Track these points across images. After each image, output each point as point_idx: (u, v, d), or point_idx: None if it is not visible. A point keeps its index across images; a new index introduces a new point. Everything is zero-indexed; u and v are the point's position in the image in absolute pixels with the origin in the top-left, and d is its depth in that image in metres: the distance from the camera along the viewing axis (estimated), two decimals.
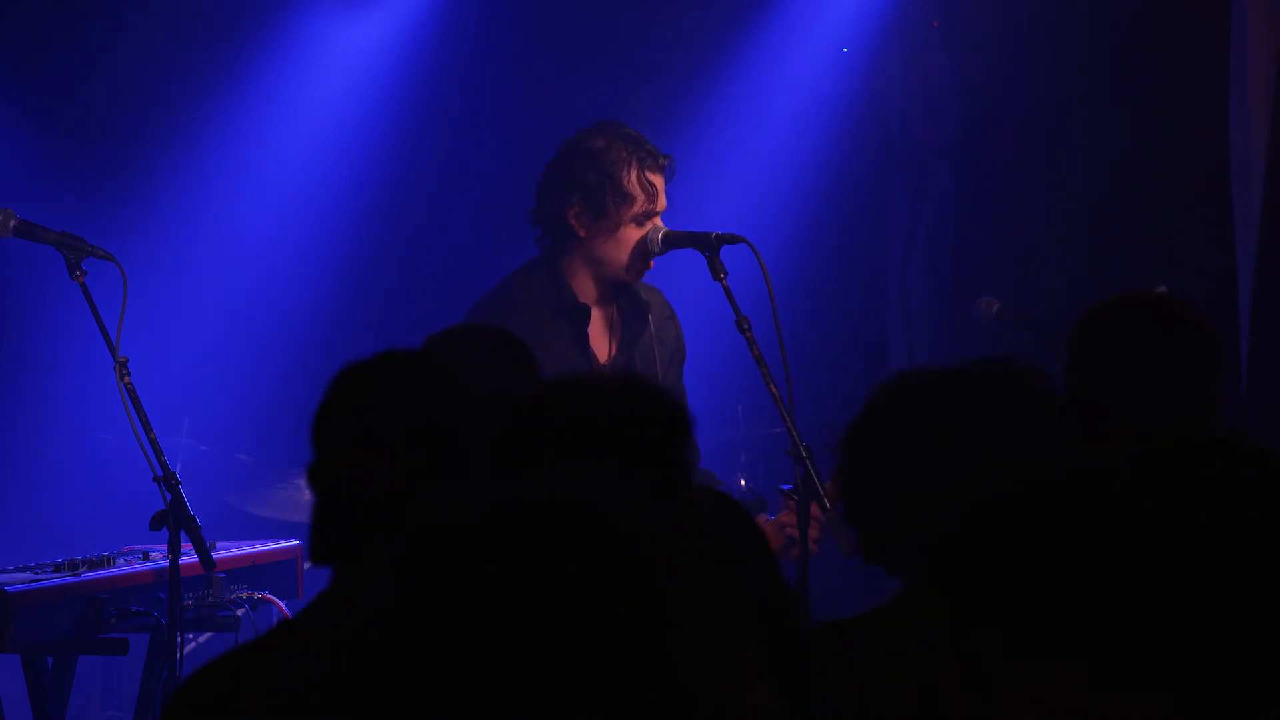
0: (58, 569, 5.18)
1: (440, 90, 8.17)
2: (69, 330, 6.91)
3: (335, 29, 8.14)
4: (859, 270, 8.63)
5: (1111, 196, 7.87)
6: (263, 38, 8.03)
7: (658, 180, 5.58)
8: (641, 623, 1.68)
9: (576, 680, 1.67)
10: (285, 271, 8.04)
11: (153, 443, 5.12)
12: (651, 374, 5.57)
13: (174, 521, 5.00)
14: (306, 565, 5.57)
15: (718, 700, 1.69)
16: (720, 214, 7.11)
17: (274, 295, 8.01)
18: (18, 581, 5.02)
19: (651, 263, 5.60)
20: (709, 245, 5.44)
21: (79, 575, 5.13)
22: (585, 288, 5.60)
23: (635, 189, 5.54)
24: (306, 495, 3.15)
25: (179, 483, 5.04)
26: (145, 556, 5.40)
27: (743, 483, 7.53)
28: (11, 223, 5.37)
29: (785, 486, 5.12)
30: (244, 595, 5.35)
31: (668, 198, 5.64)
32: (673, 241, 5.55)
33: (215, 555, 5.15)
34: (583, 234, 5.56)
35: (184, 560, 5.05)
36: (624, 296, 5.67)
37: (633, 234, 5.56)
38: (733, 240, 5.44)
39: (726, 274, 5.39)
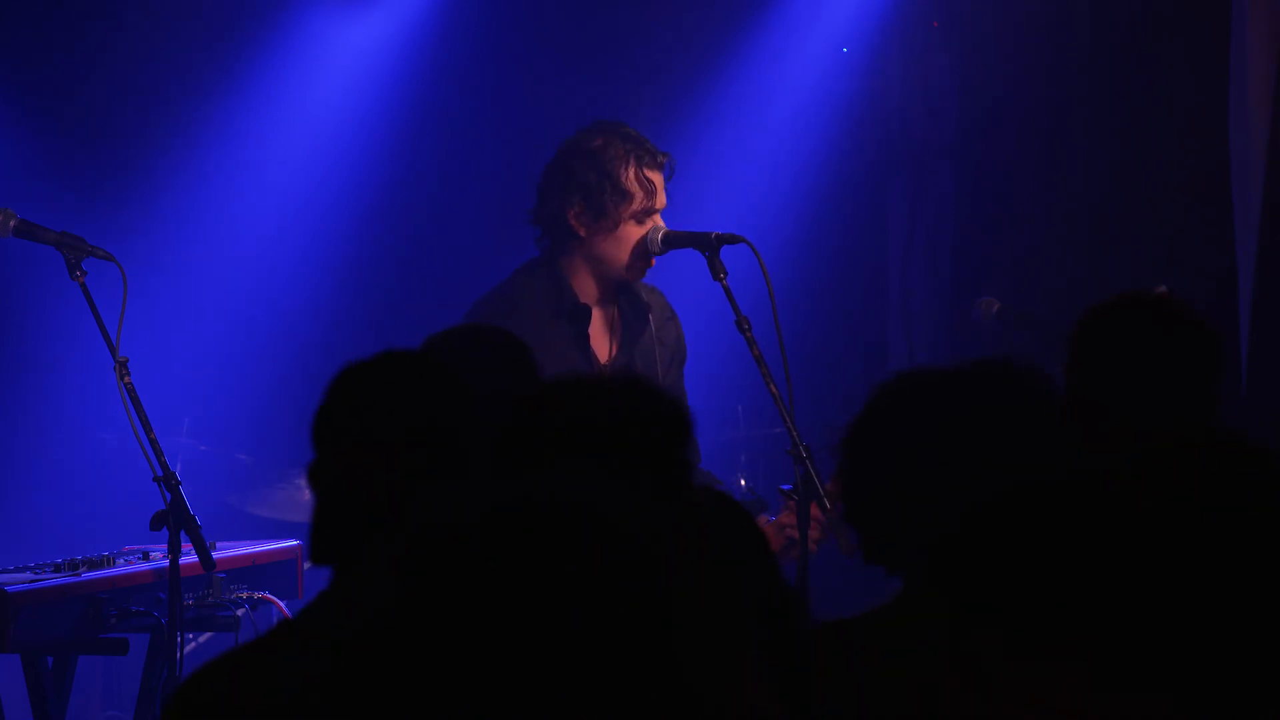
0: (58, 569, 5.18)
1: (440, 90, 8.17)
2: (69, 330, 6.91)
3: (335, 29, 8.14)
4: (859, 270, 8.63)
5: (1111, 196, 7.87)
6: (263, 38, 8.03)
7: (656, 177, 5.58)
8: (641, 623, 1.68)
9: (577, 680, 1.67)
10: (285, 271, 8.04)
11: (153, 443, 5.11)
12: (652, 375, 5.57)
13: (174, 521, 5.00)
14: (306, 565, 5.57)
15: (718, 700, 1.69)
16: (720, 214, 7.11)
17: (274, 295, 8.01)
18: (18, 581, 5.02)
19: (653, 261, 5.60)
20: (709, 245, 5.44)
21: (79, 575, 5.13)
22: (586, 288, 5.60)
23: (633, 186, 5.54)
24: (306, 495, 3.15)
25: (179, 483, 5.04)
26: (145, 556, 5.40)
27: (743, 483, 7.53)
28: (11, 223, 5.37)
29: (785, 486, 5.12)
30: (244, 595, 5.34)
31: (668, 197, 5.64)
32: (673, 241, 5.55)
33: (215, 555, 5.15)
34: (583, 233, 5.56)
35: (184, 560, 5.04)
36: (625, 297, 5.67)
37: (633, 232, 5.56)
38: (733, 240, 5.44)
39: (726, 274, 5.39)
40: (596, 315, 5.62)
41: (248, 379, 7.88)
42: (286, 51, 8.06)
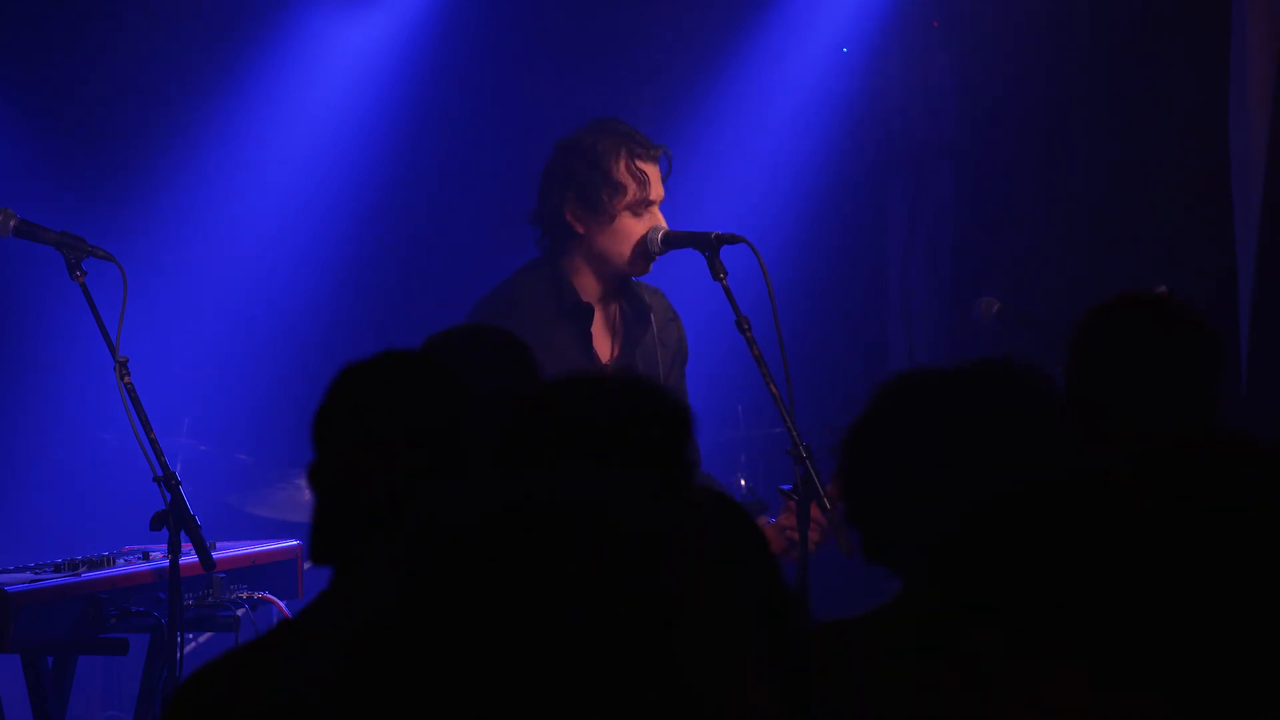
0: (58, 569, 5.18)
1: (440, 90, 8.18)
2: (69, 330, 6.91)
3: (335, 29, 8.14)
4: (859, 270, 8.63)
5: (1111, 196, 7.87)
6: (263, 38, 8.03)
7: (649, 169, 5.58)
8: (642, 623, 1.68)
9: (577, 680, 1.67)
10: (285, 271, 8.04)
11: (153, 443, 5.11)
12: (654, 376, 5.57)
13: (174, 521, 5.00)
14: (306, 565, 5.57)
15: (718, 700, 1.69)
16: (720, 214, 7.11)
17: (274, 295, 8.02)
18: (18, 581, 5.02)
19: (655, 257, 5.60)
20: (709, 245, 5.44)
21: (79, 575, 5.13)
22: (588, 286, 5.61)
23: (625, 178, 5.55)
24: (306, 495, 3.15)
25: (179, 483, 5.04)
26: (145, 556, 5.40)
27: (743, 483, 7.53)
28: (11, 223, 5.37)
29: (785, 487, 5.12)
30: (244, 595, 5.34)
31: (669, 197, 5.65)
32: (673, 241, 5.55)
33: (215, 555, 5.15)
34: (581, 230, 5.57)
35: (184, 560, 5.04)
36: (626, 298, 5.67)
37: (630, 224, 5.56)
38: (733, 240, 5.44)
39: (726, 274, 5.39)
40: (598, 315, 5.62)
41: (248, 379, 7.88)
42: (286, 51, 8.06)
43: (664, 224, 5.59)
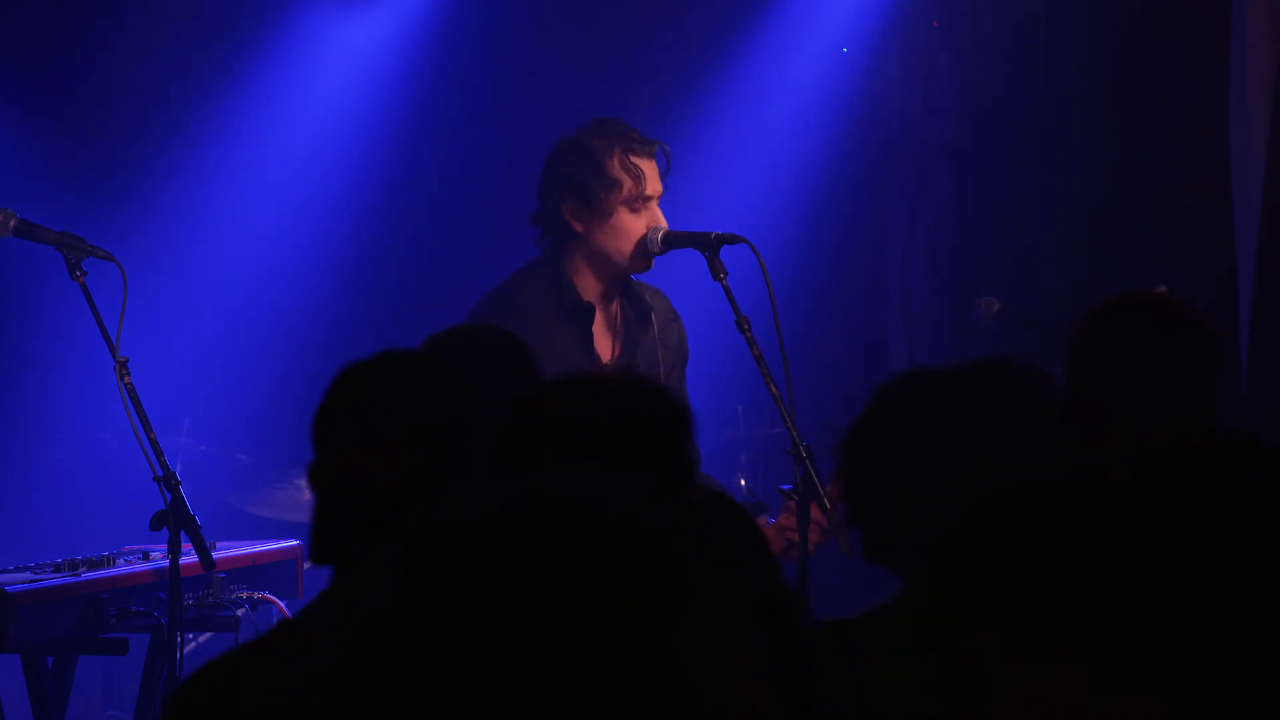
0: (58, 569, 5.18)
1: (440, 90, 8.18)
2: (69, 330, 6.91)
3: (335, 29, 8.14)
4: (859, 270, 8.63)
5: (1111, 196, 7.87)
6: (263, 38, 8.03)
7: (644, 164, 5.59)
8: (642, 623, 1.68)
9: (577, 680, 1.67)
10: (285, 271, 8.04)
11: (153, 443, 5.11)
12: (654, 376, 5.57)
13: (174, 521, 5.00)
14: (306, 565, 5.57)
15: (718, 700, 1.69)
16: (720, 214, 7.11)
17: (274, 295, 8.01)
18: (18, 581, 5.02)
19: (657, 253, 5.60)
20: (709, 245, 5.44)
21: (79, 575, 5.13)
22: (589, 285, 5.61)
23: (619, 173, 5.55)
24: (306, 495, 3.15)
25: (179, 483, 5.04)
26: (145, 556, 5.40)
27: (743, 483, 7.53)
28: (11, 223, 5.37)
29: (785, 486, 5.12)
30: (244, 595, 5.34)
31: (669, 196, 5.65)
32: (673, 241, 5.55)
33: (215, 555, 5.15)
34: (579, 229, 5.57)
35: (184, 560, 5.04)
36: (628, 298, 5.67)
37: (628, 221, 5.56)
38: (733, 240, 5.44)
39: (726, 274, 5.39)
40: (599, 315, 5.62)
41: (248, 379, 7.88)
42: (286, 51, 8.06)
43: (663, 221, 5.59)
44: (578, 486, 1.74)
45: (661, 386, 2.89)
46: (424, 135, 8.16)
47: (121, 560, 5.32)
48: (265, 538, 5.92)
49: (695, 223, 5.69)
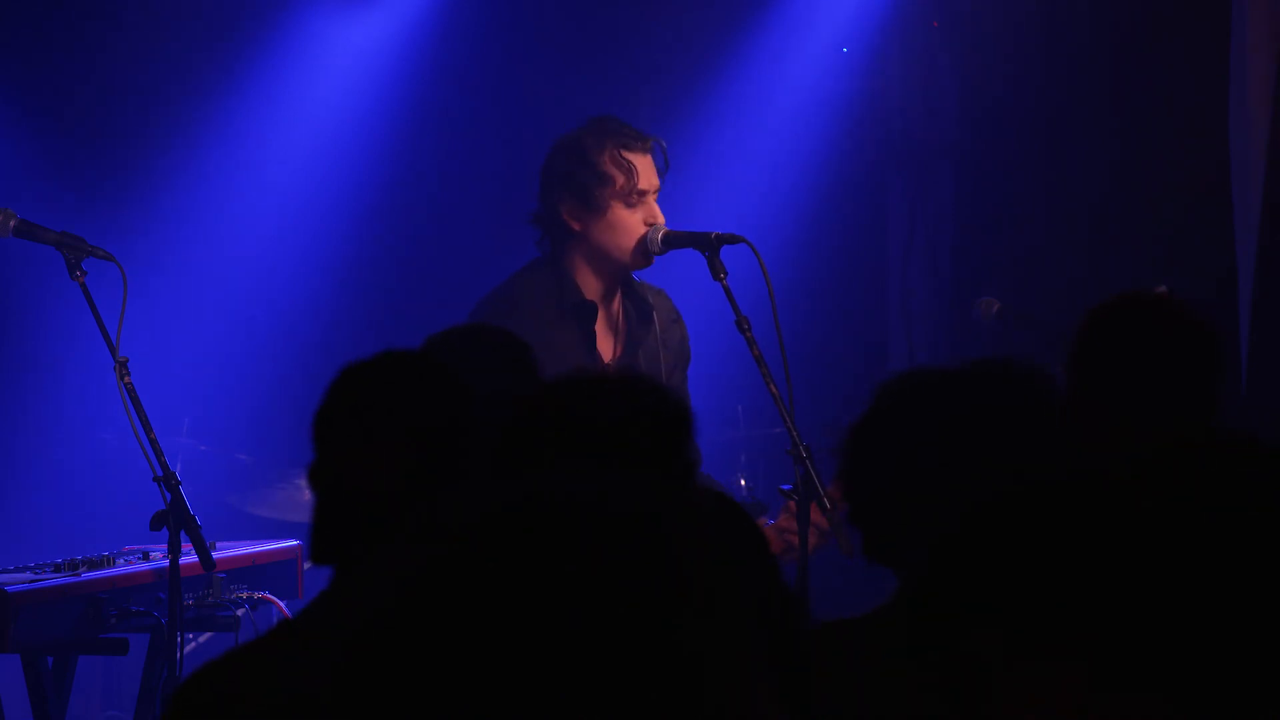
0: (58, 569, 5.18)
1: (440, 90, 8.18)
2: (69, 330, 6.91)
3: (335, 29, 8.14)
4: (859, 270, 8.63)
5: (1111, 196, 7.87)
6: (263, 38, 8.03)
7: (636, 159, 5.59)
8: (642, 623, 1.68)
9: (577, 681, 1.67)
10: (285, 271, 8.04)
11: (153, 443, 5.11)
12: (656, 376, 5.57)
13: (174, 521, 5.00)
14: (306, 565, 5.57)
15: (718, 701, 1.69)
16: (720, 214, 7.11)
17: (274, 295, 8.01)
18: (18, 581, 5.02)
19: (658, 253, 5.60)
20: (709, 245, 5.44)
21: (79, 575, 5.13)
22: (590, 284, 5.61)
23: (611, 168, 5.56)
24: (306, 495, 3.15)
25: (179, 483, 5.04)
26: (145, 556, 5.40)
27: (743, 483, 7.53)
28: (11, 223, 5.37)
29: (785, 487, 5.12)
30: (244, 595, 5.34)
31: (670, 196, 5.65)
32: (673, 241, 5.55)
33: (215, 555, 5.15)
34: (578, 227, 5.58)
35: (184, 560, 5.04)
36: (629, 297, 5.67)
37: (623, 216, 5.56)
38: (733, 240, 5.44)
39: (726, 274, 5.39)
40: (601, 314, 5.62)
41: (248, 379, 7.88)
42: (286, 51, 8.06)
43: (661, 218, 5.59)
44: (578, 486, 1.74)
45: (662, 386, 2.89)
46: (424, 135, 8.16)
47: (121, 560, 5.32)
48: (265, 538, 5.93)
49: (695, 223, 5.69)
